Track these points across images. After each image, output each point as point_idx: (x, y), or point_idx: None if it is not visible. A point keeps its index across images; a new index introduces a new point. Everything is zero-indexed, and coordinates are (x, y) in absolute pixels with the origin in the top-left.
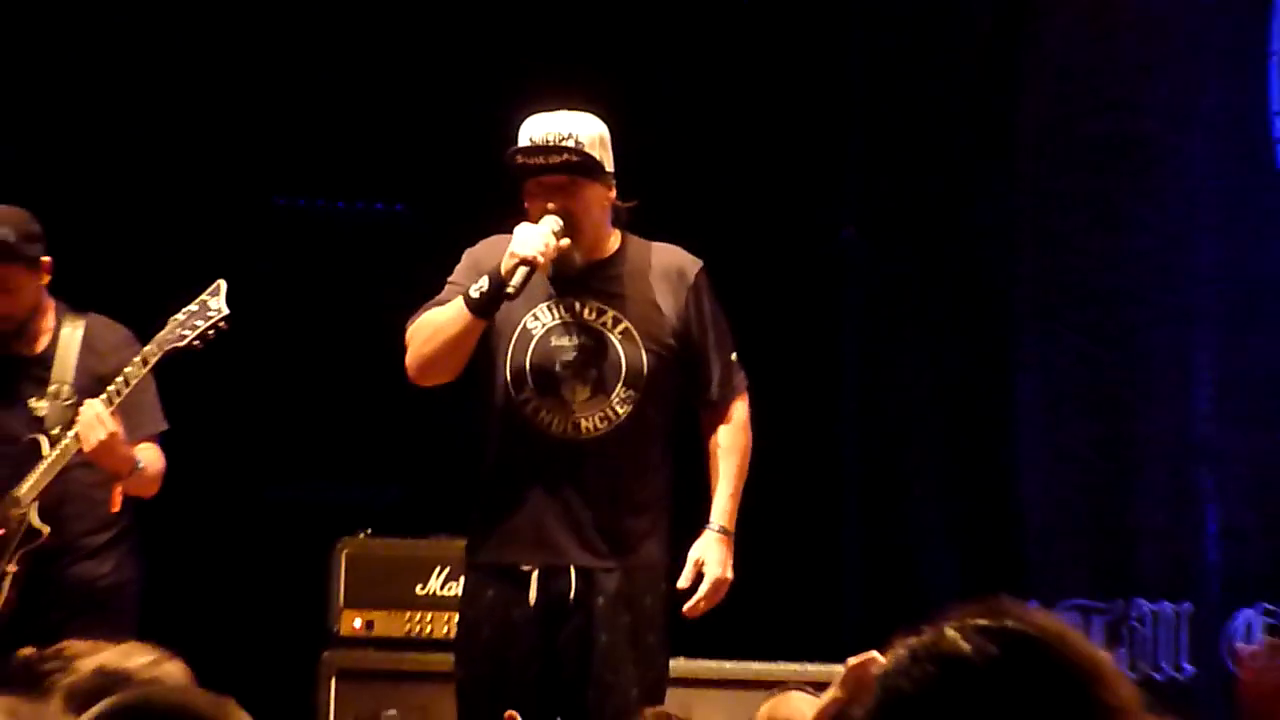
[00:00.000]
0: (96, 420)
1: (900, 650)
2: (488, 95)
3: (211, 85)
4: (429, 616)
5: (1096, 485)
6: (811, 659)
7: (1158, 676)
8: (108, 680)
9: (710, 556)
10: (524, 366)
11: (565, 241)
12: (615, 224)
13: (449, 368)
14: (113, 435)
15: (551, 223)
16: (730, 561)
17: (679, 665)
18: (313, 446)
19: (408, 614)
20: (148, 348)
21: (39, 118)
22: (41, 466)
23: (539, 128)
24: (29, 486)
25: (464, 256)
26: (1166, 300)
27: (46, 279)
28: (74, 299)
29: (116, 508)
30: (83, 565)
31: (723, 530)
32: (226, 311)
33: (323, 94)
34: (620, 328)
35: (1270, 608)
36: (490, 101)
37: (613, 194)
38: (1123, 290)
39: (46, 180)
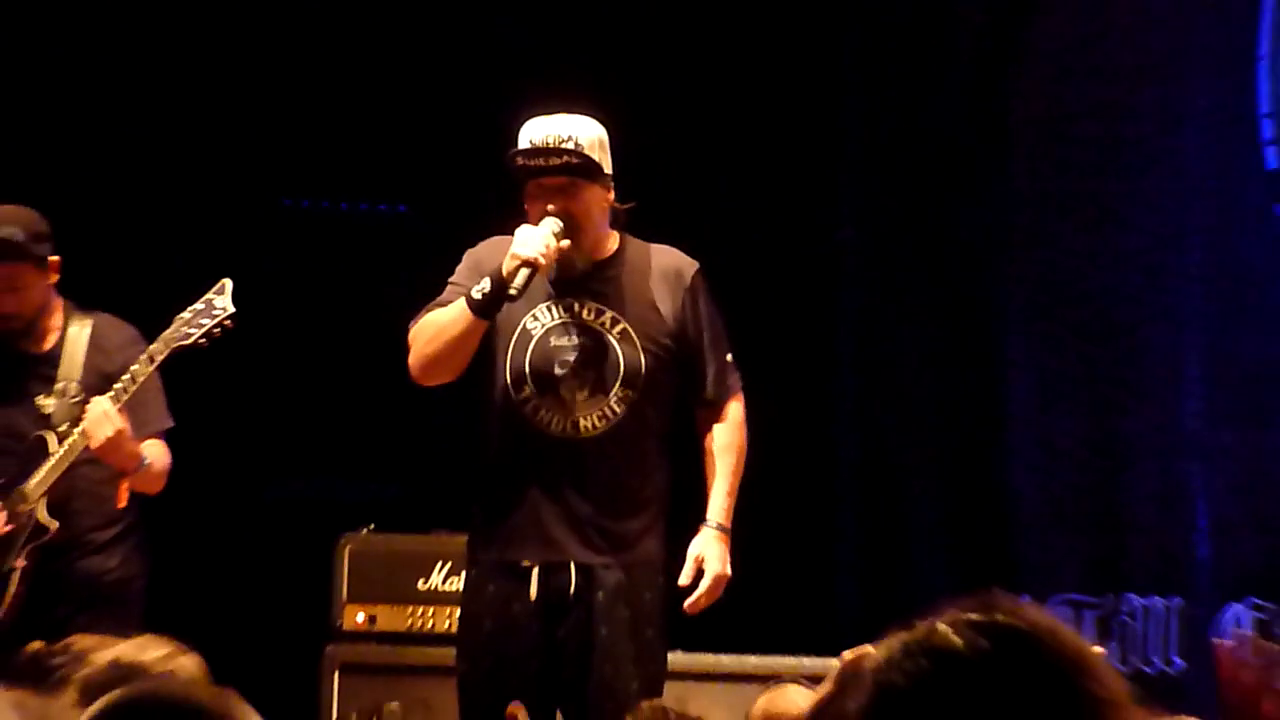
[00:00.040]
0: (104, 417)
1: (894, 645)
2: (488, 98)
3: (219, 88)
4: (431, 611)
5: (1088, 481)
6: (807, 653)
7: (1148, 670)
8: (123, 673)
9: (710, 553)
10: (524, 366)
11: (566, 243)
12: (614, 225)
13: (451, 368)
14: (120, 432)
15: (552, 224)
16: (728, 558)
17: (677, 659)
18: (316, 443)
19: (410, 609)
20: (154, 346)
21: (48, 118)
22: (49, 463)
23: (539, 130)
24: (37, 482)
25: (465, 257)
26: (1157, 299)
27: (54, 278)
28: (83, 298)
29: (123, 504)
30: (90, 560)
31: (720, 527)
32: (232, 310)
33: (327, 98)
34: (618, 328)
35: (1259, 602)
36: (491, 104)
37: (611, 195)
38: (1114, 289)
39: (55, 181)
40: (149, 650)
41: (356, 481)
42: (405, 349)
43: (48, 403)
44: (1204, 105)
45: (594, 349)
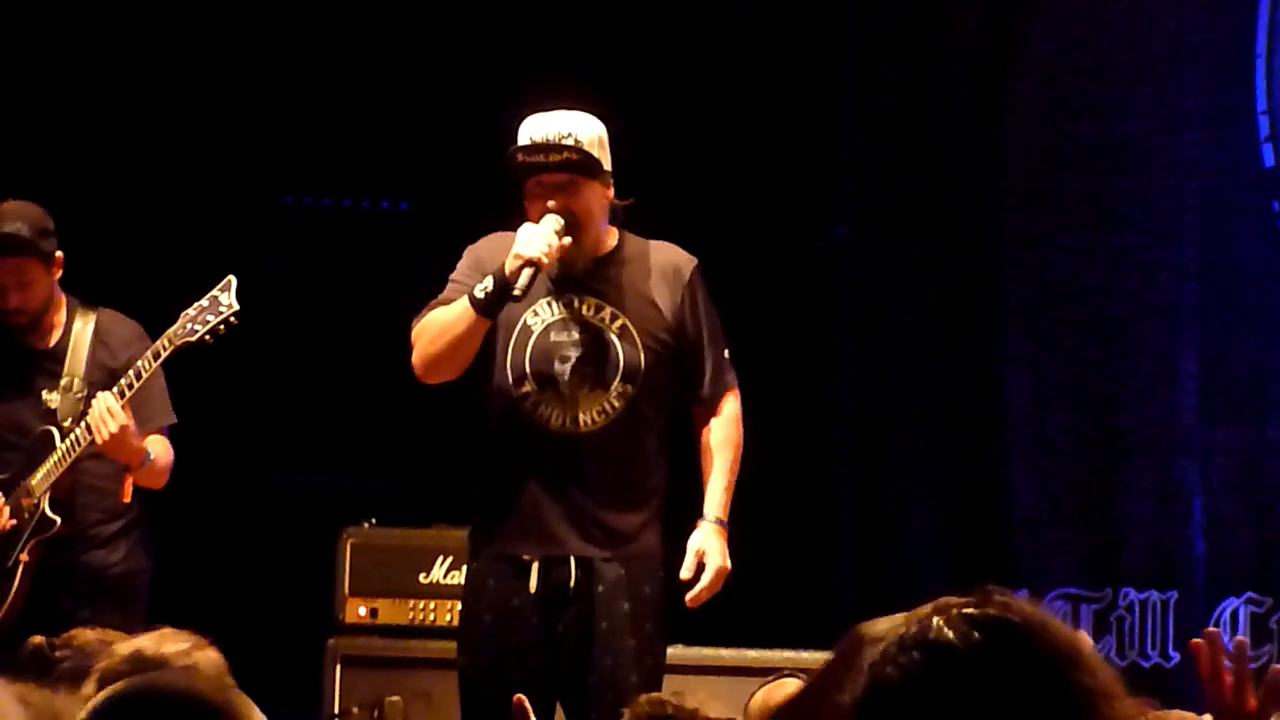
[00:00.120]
0: (108, 413)
1: (889, 639)
2: (488, 96)
3: (222, 87)
4: (432, 605)
5: (1084, 477)
6: (805, 647)
7: (1144, 664)
8: (143, 666)
9: (710, 547)
10: (524, 362)
11: (567, 240)
12: (613, 222)
13: (455, 366)
14: (124, 428)
15: (553, 222)
16: (727, 552)
17: (676, 652)
18: (319, 438)
19: (411, 602)
20: (159, 342)
21: (54, 116)
22: (53, 458)
23: (539, 127)
24: (41, 477)
25: (465, 254)
26: (1153, 296)
27: (59, 274)
28: (88, 294)
29: (127, 499)
30: (94, 554)
31: (719, 522)
32: (236, 307)
33: (329, 96)
34: (618, 324)
35: (1255, 597)
36: (491, 102)
37: (611, 192)
38: (1110, 286)
39: (61, 178)
40: (169, 643)
41: (359, 476)
42: (407, 345)
43: (53, 398)
44: (1200, 103)
45: (594, 345)
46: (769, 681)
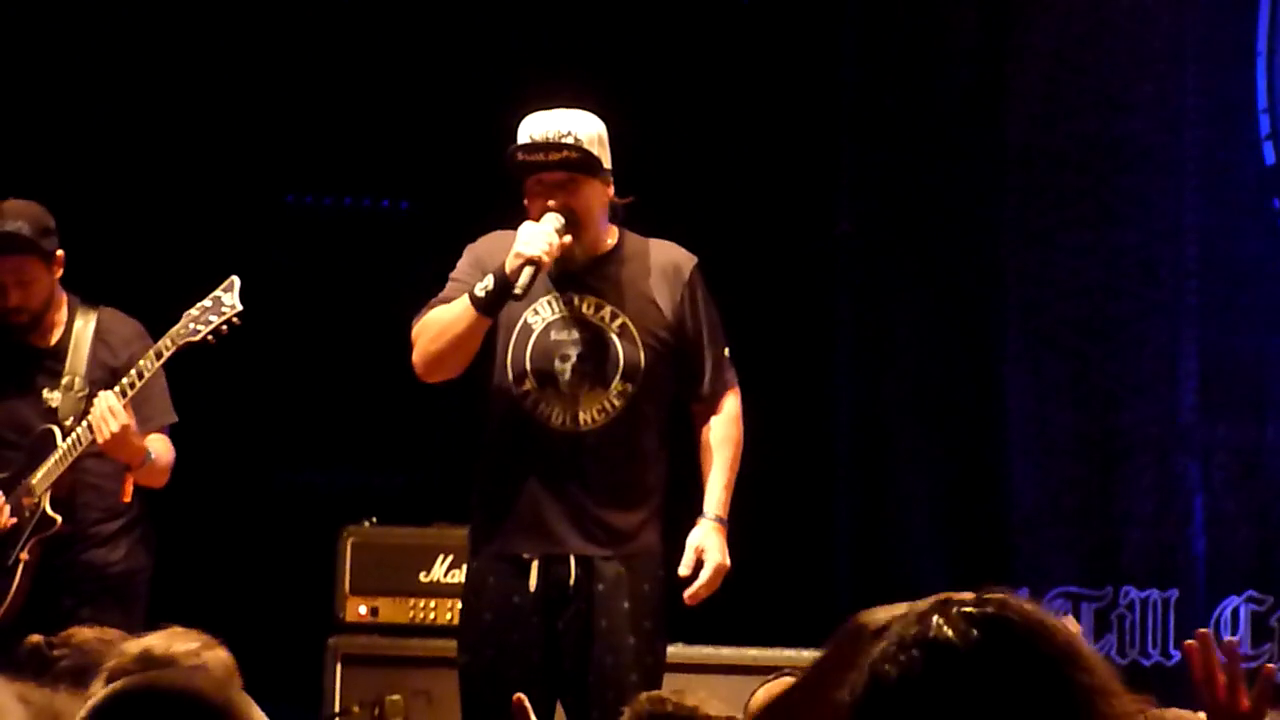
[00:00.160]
0: (110, 413)
1: (888, 639)
2: (489, 95)
3: (223, 86)
4: (432, 603)
5: (1084, 476)
6: (805, 645)
7: (1145, 662)
8: (151, 665)
9: (709, 544)
10: (524, 361)
11: (568, 239)
12: (613, 220)
13: (456, 365)
14: (125, 428)
15: (554, 220)
16: (726, 549)
17: (676, 651)
18: (319, 436)
19: (411, 601)
20: (161, 341)
21: (56, 115)
22: (54, 456)
23: (539, 126)
24: (42, 476)
25: (465, 252)
26: (1153, 294)
27: (60, 272)
28: (88, 293)
29: (128, 498)
30: (94, 553)
31: (718, 519)
32: (239, 307)
33: (330, 95)
34: (618, 323)
35: (1255, 595)
36: (491, 101)
37: (611, 191)
38: (1110, 284)
39: (62, 177)
40: (179, 643)
41: (359, 474)
42: (408, 343)
43: (53, 396)
44: (1201, 101)
45: (594, 343)
46: (769, 680)
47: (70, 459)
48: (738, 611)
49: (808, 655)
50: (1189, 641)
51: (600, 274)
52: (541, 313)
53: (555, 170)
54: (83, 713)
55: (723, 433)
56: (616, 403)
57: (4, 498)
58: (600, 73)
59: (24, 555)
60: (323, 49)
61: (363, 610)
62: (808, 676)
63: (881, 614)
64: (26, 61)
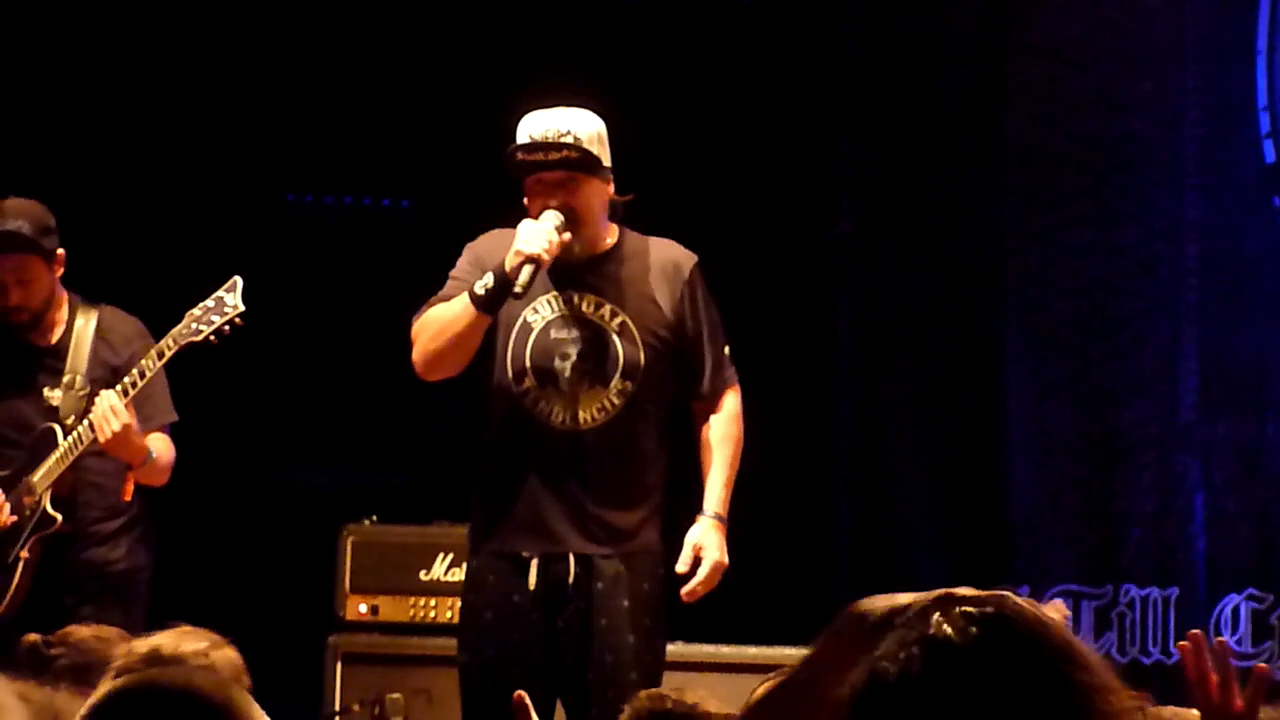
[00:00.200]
0: (111, 412)
1: (888, 635)
2: (489, 94)
3: (224, 86)
4: (432, 602)
5: (1085, 474)
6: (805, 643)
7: (1145, 661)
8: (160, 664)
9: (707, 541)
10: (524, 359)
11: (567, 236)
12: (613, 218)
13: (455, 363)
14: (127, 427)
15: (553, 218)
16: (725, 547)
17: (677, 649)
18: (319, 435)
19: (411, 599)
20: (164, 341)
21: (56, 115)
22: (55, 455)
23: (538, 125)
24: (42, 474)
25: (465, 251)
26: (1153, 292)
27: (60, 271)
28: (90, 292)
29: (128, 497)
30: (95, 552)
31: (717, 517)
32: (242, 308)
33: (330, 94)
34: (617, 321)
35: (1256, 593)
36: (491, 100)
37: (611, 189)
38: (1111, 282)
39: (63, 176)
40: (188, 642)
41: (359, 473)
42: (408, 342)
43: (54, 395)
44: (1201, 99)
45: (594, 342)
46: (769, 678)
47: (71, 457)
48: (738, 610)
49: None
50: (1182, 643)
51: (600, 272)
52: (541, 311)
53: (555, 169)
54: (83, 711)
55: (723, 431)
56: (616, 401)
57: (4, 496)
58: (601, 72)
59: (24, 553)
60: (323, 48)
61: (363, 609)
62: (803, 667)
63: (880, 602)
64: (27, 61)
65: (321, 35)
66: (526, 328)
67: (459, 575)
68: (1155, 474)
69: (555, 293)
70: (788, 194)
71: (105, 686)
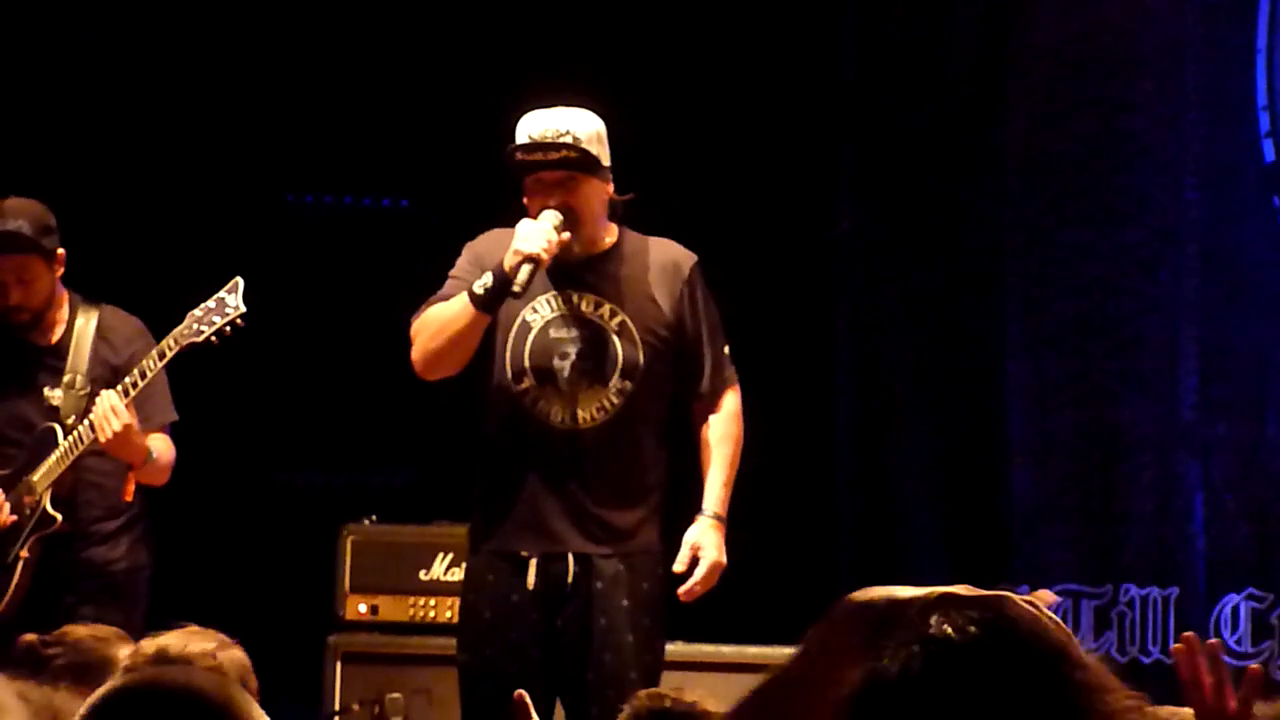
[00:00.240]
0: (112, 412)
1: (887, 636)
2: (489, 93)
3: (223, 85)
4: (432, 601)
5: (1085, 473)
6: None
7: (1145, 660)
8: (168, 664)
9: (705, 541)
10: (523, 358)
11: (566, 236)
12: (612, 218)
13: (454, 362)
14: (127, 427)
15: (552, 218)
16: (723, 547)
17: (676, 649)
18: (319, 434)
19: (411, 599)
20: (165, 341)
21: (56, 115)
22: (55, 454)
23: (537, 124)
24: (42, 474)
25: (464, 250)
26: (1153, 292)
27: (61, 271)
28: (89, 292)
29: (129, 497)
30: (95, 551)
31: (716, 517)
32: (243, 309)
33: (330, 94)
34: (617, 320)
35: (1255, 593)
36: (491, 99)
37: (610, 188)
38: (1111, 282)
39: (62, 176)
40: (196, 642)
41: (359, 472)
42: (407, 342)
43: (55, 394)
44: (1200, 98)
45: (593, 341)
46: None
47: (71, 457)
48: (738, 609)
49: None
50: (1176, 645)
51: (599, 272)
52: (540, 310)
53: (554, 169)
54: (83, 710)
55: (722, 430)
56: (615, 401)
57: (4, 495)
58: (601, 71)
59: (24, 553)
60: (322, 48)
61: (363, 608)
62: (798, 658)
63: (877, 592)
64: (27, 61)
65: (321, 35)
66: (526, 327)
67: (459, 575)
68: (1155, 473)
69: (554, 292)
70: (788, 194)
71: (105, 685)
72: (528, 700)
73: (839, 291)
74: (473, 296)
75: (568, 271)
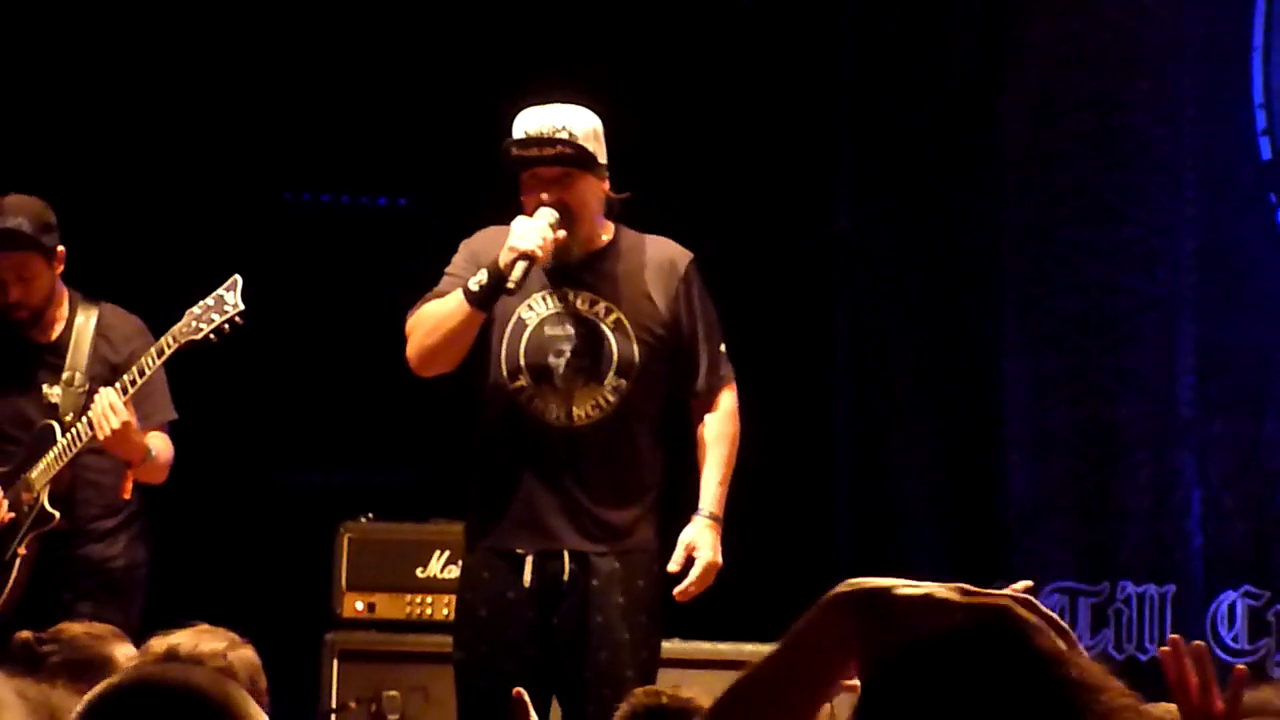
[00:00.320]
0: (110, 409)
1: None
2: (487, 91)
3: (221, 84)
4: (429, 599)
5: (1082, 470)
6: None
7: (1142, 658)
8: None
9: (701, 541)
10: (519, 356)
11: (561, 233)
12: (609, 216)
13: (449, 359)
14: (126, 425)
15: (547, 215)
16: (720, 547)
17: (673, 646)
18: (317, 433)
19: (408, 597)
20: (163, 339)
21: (57, 114)
22: (54, 452)
23: (533, 120)
24: (41, 471)
25: (460, 248)
26: (1150, 289)
27: (60, 269)
28: (86, 290)
29: (127, 495)
30: (93, 548)
31: (712, 516)
32: (242, 307)
33: (327, 93)
34: (612, 318)
35: (1252, 590)
36: (489, 98)
37: (606, 186)
38: (1108, 279)
39: (61, 174)
40: (206, 641)
41: (356, 471)
42: (404, 340)
43: (54, 392)
44: (1197, 96)
45: (588, 339)
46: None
47: (70, 455)
48: (735, 607)
49: None
50: (1163, 648)
51: (595, 269)
52: (536, 308)
53: (549, 165)
54: (80, 707)
55: (718, 429)
56: (611, 398)
57: (3, 492)
58: (599, 69)
59: (22, 550)
60: (319, 46)
61: (360, 606)
62: (786, 645)
63: (873, 583)
64: (27, 60)
65: (318, 33)
66: (521, 324)
67: (456, 572)
68: (1152, 470)
69: (550, 289)
70: (786, 192)
71: (103, 683)
72: (526, 698)
73: (837, 290)
74: (468, 293)
75: (564, 269)
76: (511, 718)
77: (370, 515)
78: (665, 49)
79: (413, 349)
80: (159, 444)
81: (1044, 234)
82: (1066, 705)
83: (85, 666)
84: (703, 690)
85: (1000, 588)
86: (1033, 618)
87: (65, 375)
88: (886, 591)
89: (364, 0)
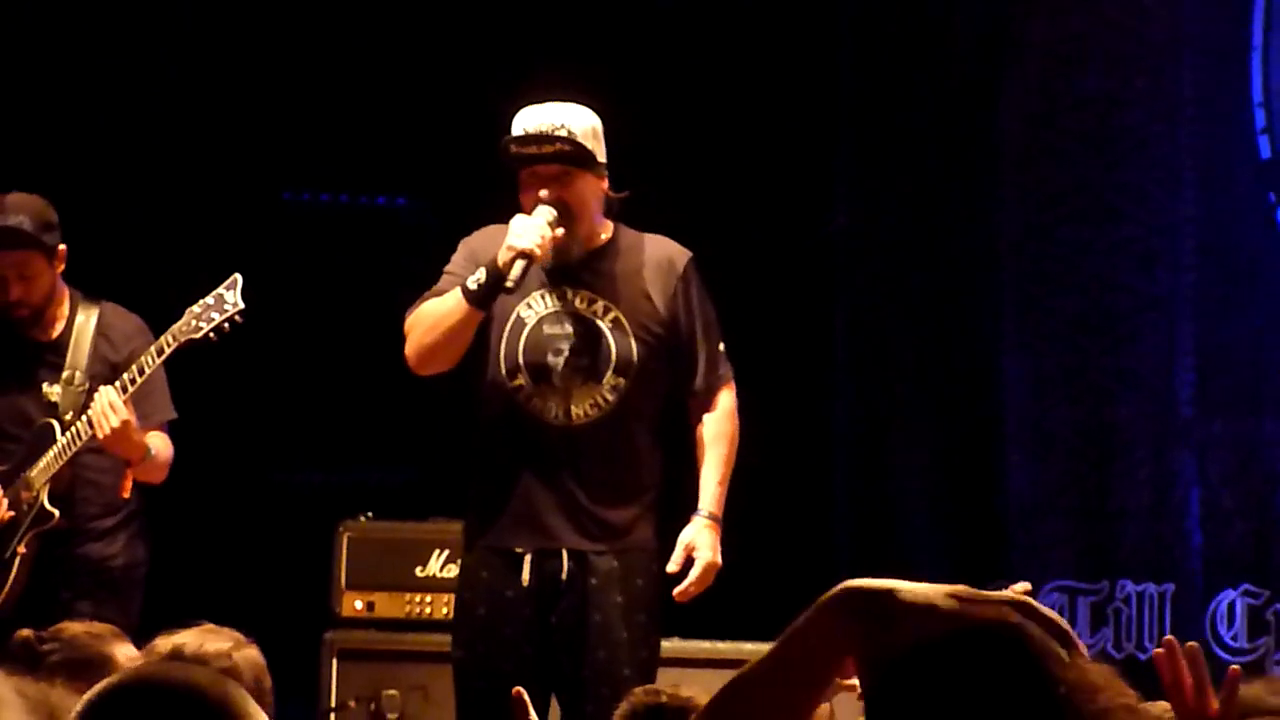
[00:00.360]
0: (110, 408)
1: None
2: (487, 91)
3: (220, 84)
4: (428, 598)
5: (1081, 470)
6: None
7: (1141, 657)
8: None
9: (700, 541)
10: (517, 355)
11: (560, 231)
12: (607, 214)
13: (448, 357)
14: (126, 423)
15: (546, 213)
16: (719, 547)
17: (672, 645)
18: (316, 432)
19: (407, 595)
20: (163, 338)
21: (58, 113)
22: (53, 451)
23: (532, 118)
24: (40, 470)
25: (459, 246)
26: (1149, 289)
27: (61, 267)
28: (86, 290)
29: (127, 494)
30: (92, 547)
31: (711, 516)
32: (242, 306)
33: (326, 92)
34: (611, 316)
35: (1251, 589)
36: (489, 97)
37: (605, 184)
38: (1107, 279)
39: (61, 173)
40: (211, 641)
41: (356, 470)
42: (402, 339)
43: (54, 391)
44: (1196, 95)
45: (587, 337)
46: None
47: (69, 453)
48: (734, 606)
49: None
50: (1156, 650)
51: (594, 268)
52: (534, 306)
53: (548, 162)
54: (79, 706)
55: (717, 428)
56: (609, 397)
57: (2, 491)
58: (598, 68)
59: (21, 548)
60: (319, 46)
61: (359, 605)
62: (785, 643)
63: (876, 583)
64: (27, 60)
65: (317, 32)
66: (520, 323)
67: (455, 571)
68: (1152, 470)
69: (549, 288)
70: (785, 191)
71: (102, 681)
72: (526, 697)
73: (837, 289)
74: (466, 292)
75: (562, 267)
76: (510, 717)
77: (369, 514)
78: (665, 48)
79: (411, 347)
80: (158, 443)
81: (1043, 233)
82: (1064, 704)
83: (85, 665)
84: (702, 689)
85: (1000, 587)
86: (1030, 622)
87: (65, 374)
88: (888, 593)
89: (363, 0)
